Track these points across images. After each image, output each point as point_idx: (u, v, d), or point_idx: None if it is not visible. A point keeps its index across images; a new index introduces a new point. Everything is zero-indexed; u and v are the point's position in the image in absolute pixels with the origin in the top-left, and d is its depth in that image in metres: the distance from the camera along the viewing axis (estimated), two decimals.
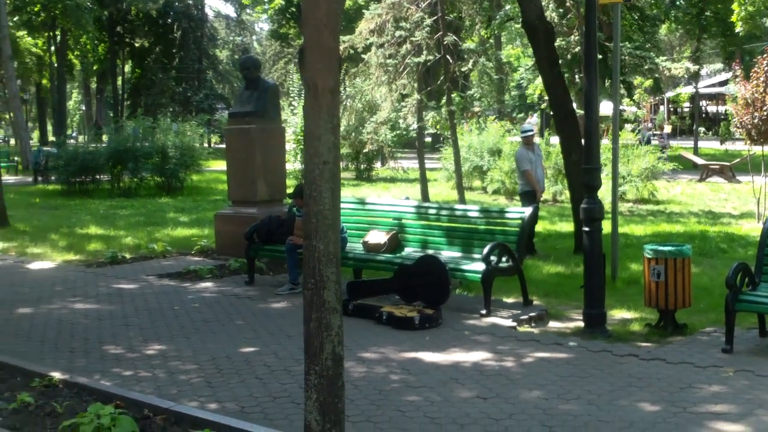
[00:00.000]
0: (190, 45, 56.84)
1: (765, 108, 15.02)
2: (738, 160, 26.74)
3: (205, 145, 36.08)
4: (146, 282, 10.47)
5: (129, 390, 6.08)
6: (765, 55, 15.61)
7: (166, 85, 55.75)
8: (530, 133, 12.74)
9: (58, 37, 49.87)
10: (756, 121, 15.15)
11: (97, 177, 24.78)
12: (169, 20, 57.74)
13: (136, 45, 59.23)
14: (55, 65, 51.19)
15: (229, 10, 79.03)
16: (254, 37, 75.39)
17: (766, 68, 15.15)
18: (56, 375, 6.39)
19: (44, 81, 57.55)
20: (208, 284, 10.28)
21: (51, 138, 51.17)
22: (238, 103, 12.99)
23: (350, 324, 7.74)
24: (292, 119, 27.35)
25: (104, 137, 27.03)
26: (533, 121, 46.24)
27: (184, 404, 5.76)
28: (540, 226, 14.10)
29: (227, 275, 10.83)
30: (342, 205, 9.92)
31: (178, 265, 11.48)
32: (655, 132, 54.71)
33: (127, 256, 12.43)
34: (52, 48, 51.57)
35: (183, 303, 9.22)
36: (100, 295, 9.67)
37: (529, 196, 12.23)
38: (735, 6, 29.12)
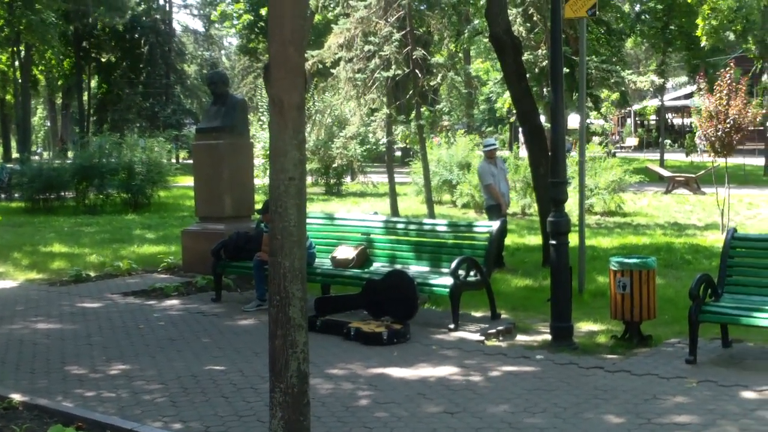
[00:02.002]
0: (157, 60, 56.46)
1: (728, 120, 15.24)
2: (703, 172, 27.05)
3: (173, 160, 35.84)
4: (111, 300, 10.34)
5: (91, 411, 5.99)
6: (728, 69, 15.85)
7: (133, 101, 55.32)
8: (492, 147, 12.76)
9: (23, 53, 49.38)
10: (719, 133, 15.35)
11: (62, 194, 24.48)
12: (136, 35, 57.35)
13: (103, 60, 58.76)
14: (20, 81, 50.66)
15: (197, 25, 78.98)
16: (223, 52, 75.14)
17: (729, 81, 15.37)
18: (16, 397, 6.28)
19: (8, 97, 56.92)
20: (174, 302, 10.18)
21: (15, 154, 50.55)
22: (206, 119, 12.92)
23: (318, 340, 7.72)
24: (261, 134, 27.28)
25: (69, 153, 26.74)
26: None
27: (148, 425, 5.69)
28: (509, 240, 14.14)
29: (194, 292, 10.73)
30: (310, 220, 9.95)
31: (143, 283, 11.36)
32: (622, 145, 55.37)
33: (92, 274, 12.28)
34: (16, 63, 51.04)
35: (148, 321, 9.11)
36: (63, 315, 9.53)
37: (495, 210, 12.24)
38: (699, 20, 29.53)
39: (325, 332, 8.28)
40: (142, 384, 6.71)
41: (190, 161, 22.42)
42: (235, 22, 52.68)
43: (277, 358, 4.76)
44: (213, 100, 12.72)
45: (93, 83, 61.87)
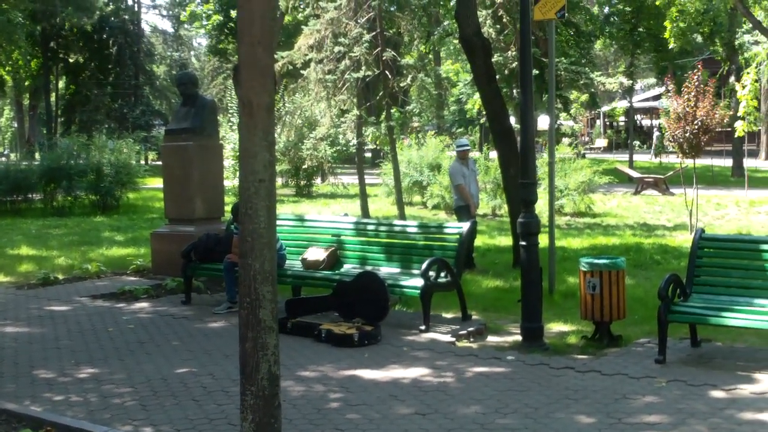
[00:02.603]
0: (126, 60, 56.00)
1: (696, 122, 15.40)
2: (671, 173, 27.32)
3: (142, 162, 35.53)
4: (79, 303, 10.23)
5: (60, 415, 5.92)
6: (695, 70, 16.02)
7: (101, 102, 54.77)
8: (465, 148, 12.80)
9: None
10: (687, 134, 15.51)
11: (30, 196, 24.17)
12: (105, 35, 56.79)
13: (71, 60, 58.12)
14: None
15: (167, 26, 78.37)
16: (192, 53, 74.70)
17: (696, 83, 15.53)
18: None
19: None
20: (143, 304, 10.09)
21: None
22: (175, 120, 12.81)
23: (289, 342, 7.69)
24: (231, 135, 27.11)
25: (37, 155, 26.40)
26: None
27: (118, 428, 5.63)
28: (479, 241, 14.19)
29: (163, 295, 10.65)
30: (281, 222, 9.92)
31: (112, 286, 11.25)
32: (591, 146, 55.84)
33: (60, 277, 12.13)
34: None
35: (117, 324, 9.03)
36: (31, 318, 9.41)
37: (464, 211, 12.27)
38: (667, 23, 29.86)
39: (296, 334, 8.25)
40: (112, 387, 6.65)
41: (160, 163, 22.25)
42: (205, 22, 52.45)
43: (248, 361, 4.74)
44: (182, 101, 12.62)
45: (61, 84, 61.23)
